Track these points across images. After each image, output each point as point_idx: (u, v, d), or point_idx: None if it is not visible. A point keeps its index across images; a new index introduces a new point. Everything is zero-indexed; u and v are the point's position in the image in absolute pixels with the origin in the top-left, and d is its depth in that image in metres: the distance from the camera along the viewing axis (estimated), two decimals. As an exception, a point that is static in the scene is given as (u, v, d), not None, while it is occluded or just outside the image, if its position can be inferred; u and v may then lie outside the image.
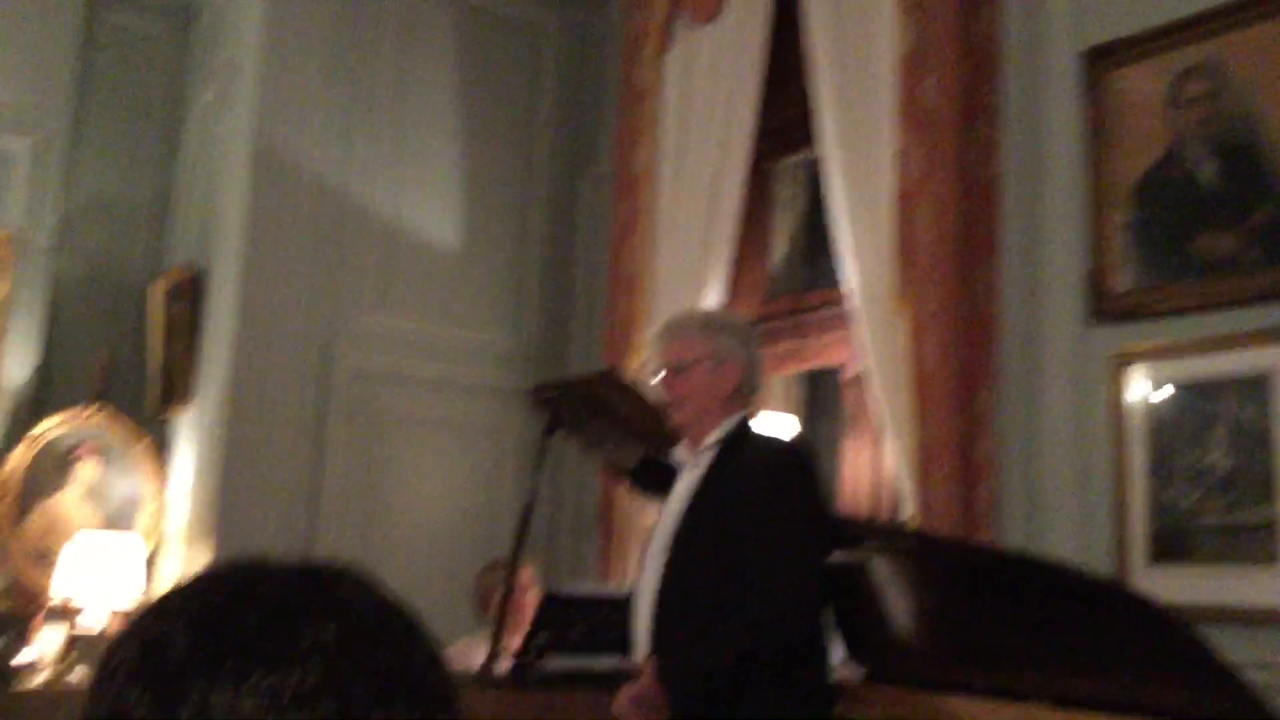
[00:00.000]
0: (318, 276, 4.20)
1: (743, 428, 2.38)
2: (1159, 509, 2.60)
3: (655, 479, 3.11)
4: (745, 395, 2.41)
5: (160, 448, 4.59)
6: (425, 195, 4.45)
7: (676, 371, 2.37)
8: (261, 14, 4.24)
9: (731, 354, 2.38)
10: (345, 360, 4.23)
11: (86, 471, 4.47)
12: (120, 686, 0.61)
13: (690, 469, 2.37)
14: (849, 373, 3.59)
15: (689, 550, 2.26)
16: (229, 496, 4.00)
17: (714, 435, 2.35)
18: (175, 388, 4.54)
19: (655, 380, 2.44)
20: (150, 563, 4.39)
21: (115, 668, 0.62)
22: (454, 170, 4.52)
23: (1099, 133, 2.85)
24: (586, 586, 3.22)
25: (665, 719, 2.15)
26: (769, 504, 2.23)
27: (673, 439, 3.01)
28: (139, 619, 0.65)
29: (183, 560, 4.28)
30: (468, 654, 3.21)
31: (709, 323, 2.47)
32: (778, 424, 3.43)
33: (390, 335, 4.32)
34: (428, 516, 4.33)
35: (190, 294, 4.51)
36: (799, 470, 2.30)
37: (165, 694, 0.59)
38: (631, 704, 2.17)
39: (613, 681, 2.69)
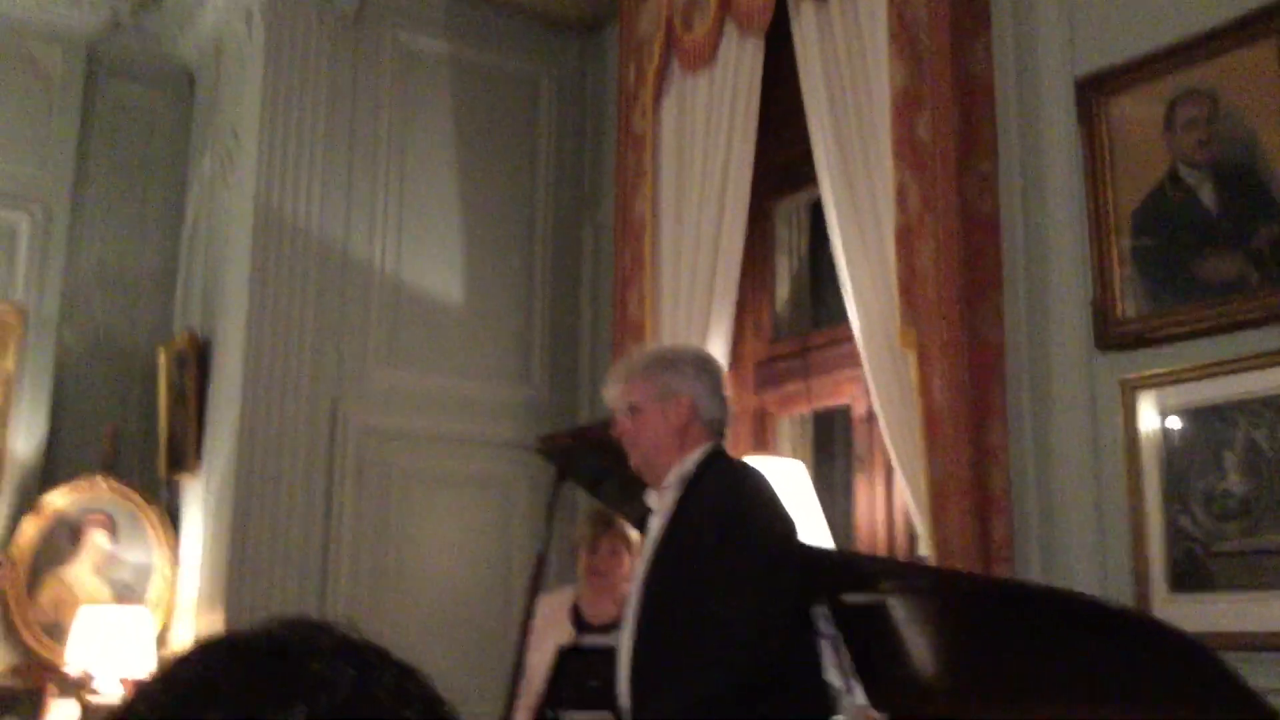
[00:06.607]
0: (322, 336, 4.21)
1: (707, 462, 2.30)
2: (1176, 536, 2.57)
3: None
4: (706, 427, 2.32)
5: (171, 517, 4.57)
6: (428, 250, 4.47)
7: (628, 414, 2.34)
8: (260, 80, 4.29)
9: (678, 388, 2.32)
10: (353, 419, 4.22)
11: (96, 542, 4.45)
12: None
13: (657, 513, 2.31)
14: (858, 411, 3.57)
15: (659, 595, 2.20)
16: (239, 563, 3.97)
17: (674, 474, 2.28)
18: (183, 455, 4.52)
19: (614, 426, 2.39)
20: (163, 632, 4.36)
21: None
22: (456, 224, 4.54)
23: (1096, 160, 2.85)
24: (605, 638, 3.17)
25: None
26: (722, 539, 2.15)
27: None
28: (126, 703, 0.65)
29: (194, 629, 4.24)
30: (558, 606, 3.20)
31: (651, 361, 2.41)
32: (785, 467, 3.40)
33: (397, 392, 4.31)
34: (441, 571, 4.30)
35: (196, 360, 4.52)
36: (750, 499, 2.21)
37: None
38: None
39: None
